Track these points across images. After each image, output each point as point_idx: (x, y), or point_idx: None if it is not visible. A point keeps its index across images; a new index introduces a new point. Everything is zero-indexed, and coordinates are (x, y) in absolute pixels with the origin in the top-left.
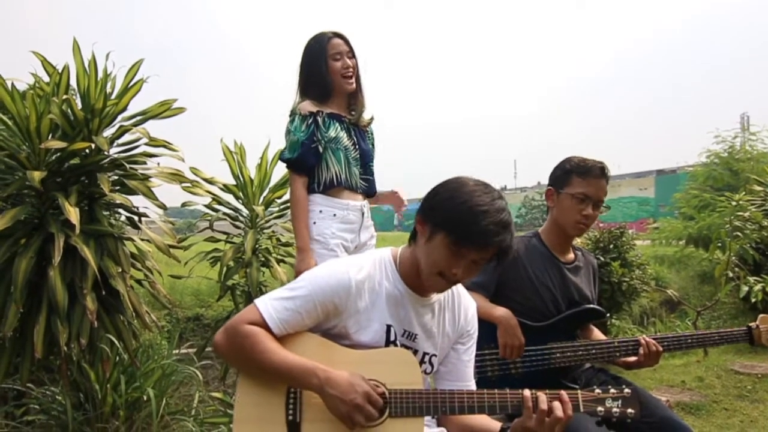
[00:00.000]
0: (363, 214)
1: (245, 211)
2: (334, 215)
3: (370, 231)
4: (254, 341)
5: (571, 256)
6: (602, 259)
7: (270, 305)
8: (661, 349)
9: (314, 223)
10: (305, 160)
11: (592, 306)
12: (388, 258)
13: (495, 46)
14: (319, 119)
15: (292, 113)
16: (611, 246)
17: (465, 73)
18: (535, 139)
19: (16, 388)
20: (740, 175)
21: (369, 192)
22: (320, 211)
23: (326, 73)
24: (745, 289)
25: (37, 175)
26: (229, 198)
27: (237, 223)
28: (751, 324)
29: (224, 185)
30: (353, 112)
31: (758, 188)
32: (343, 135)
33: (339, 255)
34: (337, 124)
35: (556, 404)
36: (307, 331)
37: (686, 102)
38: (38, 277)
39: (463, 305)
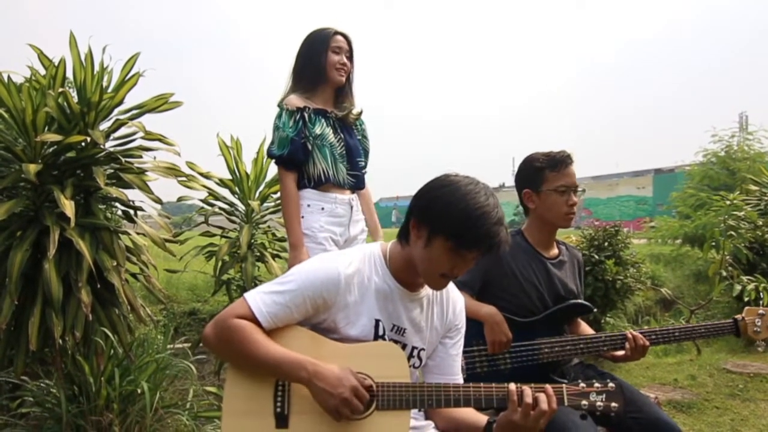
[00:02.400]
0: (352, 207)
1: (241, 206)
2: (322, 209)
3: (360, 225)
4: (243, 335)
5: (555, 251)
6: (597, 257)
7: (259, 299)
8: (647, 343)
9: (302, 217)
10: (295, 156)
11: (578, 301)
12: (377, 253)
13: (493, 43)
14: (306, 115)
15: (279, 107)
16: (606, 244)
17: (464, 70)
18: (533, 136)
19: (10, 380)
20: (737, 174)
21: (357, 187)
22: (308, 206)
23: (324, 62)
24: (739, 288)
25: (32, 168)
26: (225, 192)
27: (233, 217)
28: (737, 316)
29: (220, 180)
30: (340, 108)
31: (754, 188)
32: (328, 131)
33: (327, 248)
34: (323, 120)
35: (541, 397)
36: (296, 324)
37: (685, 100)
38: (33, 270)
39: (451, 299)
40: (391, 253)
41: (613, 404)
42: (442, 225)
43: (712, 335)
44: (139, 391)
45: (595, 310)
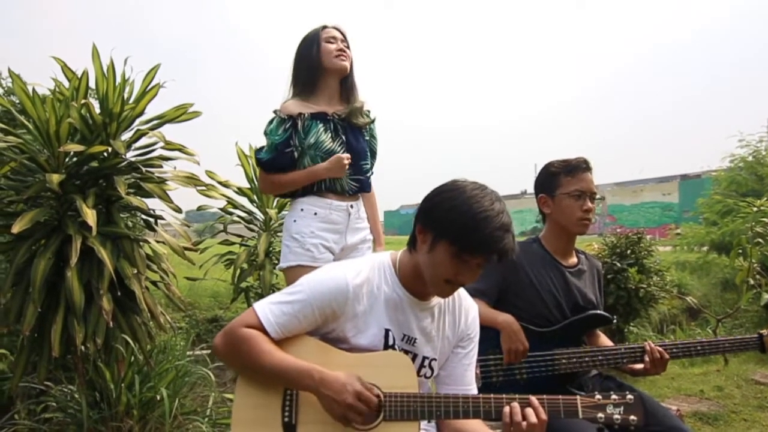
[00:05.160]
0: (350, 215)
1: (259, 215)
2: (315, 214)
3: (361, 234)
4: (251, 344)
5: (574, 260)
6: (619, 265)
7: (268, 309)
8: (667, 356)
9: (294, 221)
10: (275, 162)
11: (597, 312)
12: (387, 262)
13: (511, 45)
14: (299, 123)
15: (274, 113)
16: (628, 252)
17: (479, 74)
18: (555, 142)
19: (35, 385)
20: (765, 180)
21: (361, 191)
22: (302, 210)
23: (317, 54)
24: (766, 296)
25: (56, 178)
26: (243, 201)
27: (251, 226)
28: (762, 331)
29: (239, 188)
30: (347, 105)
31: None
32: (325, 138)
33: (316, 256)
34: (320, 126)
35: (528, 411)
36: (305, 334)
37: (712, 104)
38: (56, 278)
39: (464, 308)
40: (400, 262)
41: (632, 417)
42: (445, 228)
43: (736, 350)
44: (158, 397)
45: (615, 320)
